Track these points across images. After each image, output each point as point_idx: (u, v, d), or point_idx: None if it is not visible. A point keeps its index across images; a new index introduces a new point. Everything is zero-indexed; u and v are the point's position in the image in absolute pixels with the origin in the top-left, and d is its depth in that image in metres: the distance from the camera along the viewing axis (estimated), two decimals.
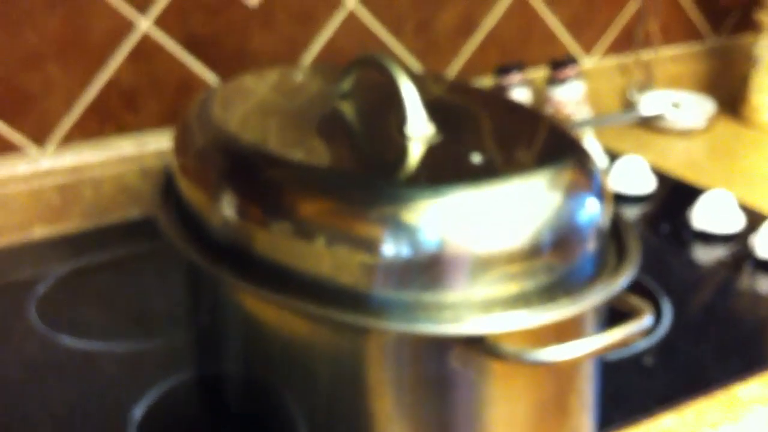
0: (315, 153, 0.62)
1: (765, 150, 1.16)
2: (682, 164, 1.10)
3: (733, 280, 0.85)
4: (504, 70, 1.08)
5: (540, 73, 1.17)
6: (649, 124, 1.21)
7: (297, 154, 0.61)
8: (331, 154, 0.62)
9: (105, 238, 0.94)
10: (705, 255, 0.91)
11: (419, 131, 0.59)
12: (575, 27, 1.21)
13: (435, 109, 0.61)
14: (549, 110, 1.12)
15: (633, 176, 1.01)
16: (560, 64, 1.11)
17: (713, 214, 0.92)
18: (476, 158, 0.58)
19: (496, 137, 0.62)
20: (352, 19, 1.05)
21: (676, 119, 1.20)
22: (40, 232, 0.93)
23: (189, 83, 0.97)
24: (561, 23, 1.19)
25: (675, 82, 1.30)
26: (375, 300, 0.52)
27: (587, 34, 1.22)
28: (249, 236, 0.58)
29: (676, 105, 1.20)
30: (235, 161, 0.62)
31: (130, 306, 0.82)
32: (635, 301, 0.55)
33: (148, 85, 0.95)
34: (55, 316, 0.79)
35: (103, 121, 0.94)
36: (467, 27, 1.13)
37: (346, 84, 0.67)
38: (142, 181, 0.96)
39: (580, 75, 1.12)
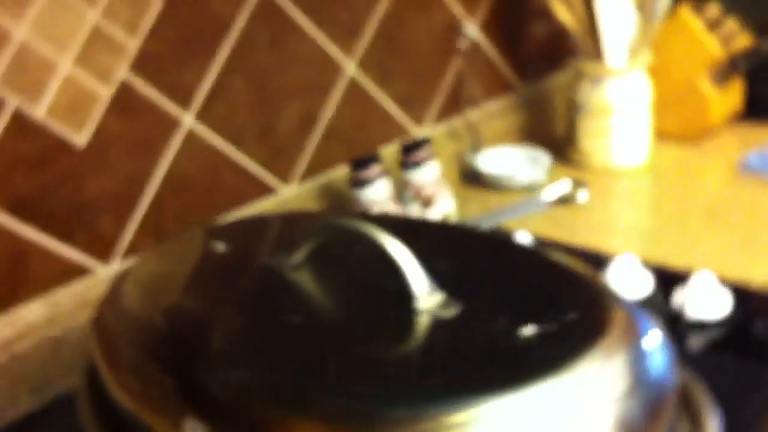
0: (301, 358, 0.50)
1: (608, 194, 1.17)
2: (548, 225, 1.08)
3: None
4: (360, 163, 1.00)
5: (387, 151, 1.10)
6: (493, 183, 1.19)
7: (276, 365, 0.49)
8: (320, 356, 0.50)
9: None
10: None
11: (427, 303, 0.50)
12: (406, 102, 1.16)
13: (428, 266, 0.51)
14: (409, 195, 1.05)
15: None
16: (412, 147, 1.05)
17: (623, 279, 0.89)
18: (510, 340, 0.48)
19: (516, 299, 0.52)
20: (191, 138, 0.92)
21: (523, 177, 1.18)
22: None
23: (21, 253, 0.80)
24: (393, 101, 1.13)
25: (501, 138, 1.29)
26: None
27: (417, 106, 1.18)
28: None
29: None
30: (197, 382, 0.49)
31: None
32: None
33: None
34: None
35: None
36: (308, 123, 1.04)
37: (299, 255, 0.56)
38: None
39: (433, 155, 1.06)
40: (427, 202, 1.05)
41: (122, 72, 0.85)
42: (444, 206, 1.06)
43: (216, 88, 0.93)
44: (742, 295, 0.85)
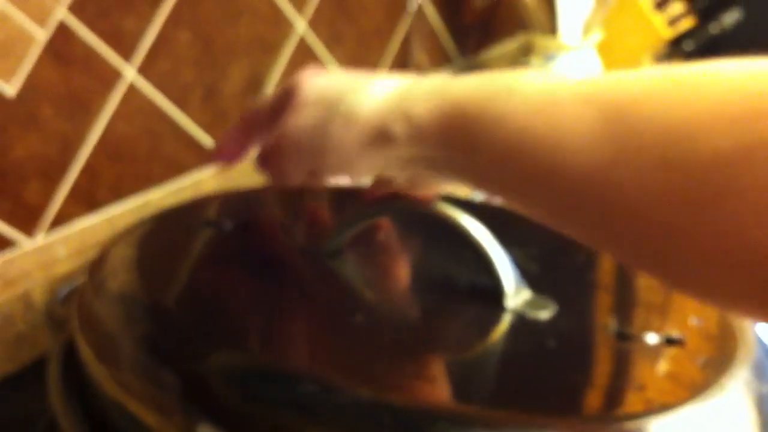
0: (345, 359, 0.41)
1: None
2: None
3: None
4: None
5: None
6: None
7: (314, 368, 0.40)
8: (372, 359, 0.41)
9: None
10: None
11: (515, 302, 0.41)
12: (353, 67, 1.06)
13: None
14: None
15: None
16: None
17: None
18: (624, 351, 0.40)
19: (617, 301, 0.45)
20: (132, 94, 0.79)
21: None
22: None
23: None
24: (341, 65, 1.04)
25: None
26: None
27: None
28: None
29: None
30: (211, 383, 0.40)
31: None
32: None
33: None
34: None
35: None
36: (254, 84, 0.93)
37: (339, 239, 0.46)
38: None
39: None
40: None
41: (60, 12, 0.72)
42: None
43: (160, 40, 0.81)
44: None
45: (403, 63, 1.14)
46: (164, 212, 0.53)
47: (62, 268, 0.76)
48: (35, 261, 0.74)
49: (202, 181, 0.88)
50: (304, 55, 0.98)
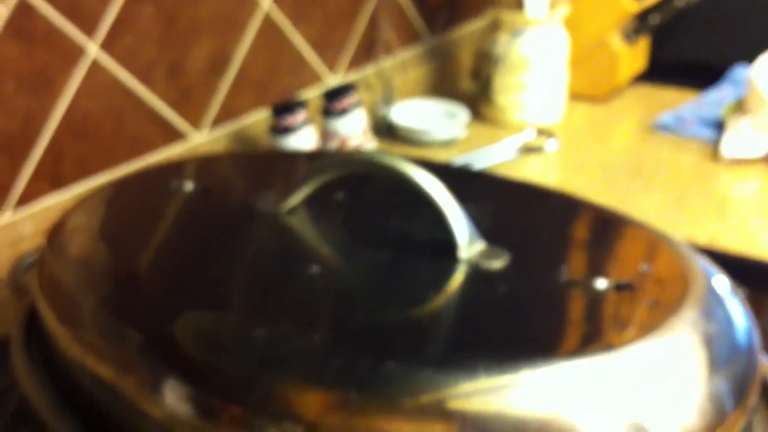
0: (302, 311, 0.41)
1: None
2: None
3: None
4: (284, 109, 0.90)
5: (307, 98, 1.00)
6: (409, 138, 1.12)
7: (273, 319, 0.40)
8: (328, 310, 0.42)
9: None
10: None
11: (468, 253, 0.42)
12: (320, 46, 1.06)
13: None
14: (332, 146, 0.96)
15: None
16: (336, 93, 0.96)
17: None
18: (571, 297, 0.41)
19: (570, 252, 0.45)
20: (95, 70, 0.79)
21: (441, 132, 1.11)
22: None
23: None
24: (307, 44, 1.04)
25: (412, 90, 1.22)
26: None
27: (331, 51, 1.08)
28: None
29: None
30: (186, 345, 0.40)
31: None
32: None
33: None
34: None
35: None
36: (220, 63, 0.93)
37: (295, 198, 0.46)
38: None
39: (360, 103, 0.97)
40: None
41: None
42: None
43: (122, 15, 0.81)
44: None
45: (370, 42, 1.14)
46: (124, 178, 0.53)
47: (28, 245, 0.76)
48: (1, 239, 0.74)
49: (170, 158, 0.88)
50: (270, 34, 0.98)
